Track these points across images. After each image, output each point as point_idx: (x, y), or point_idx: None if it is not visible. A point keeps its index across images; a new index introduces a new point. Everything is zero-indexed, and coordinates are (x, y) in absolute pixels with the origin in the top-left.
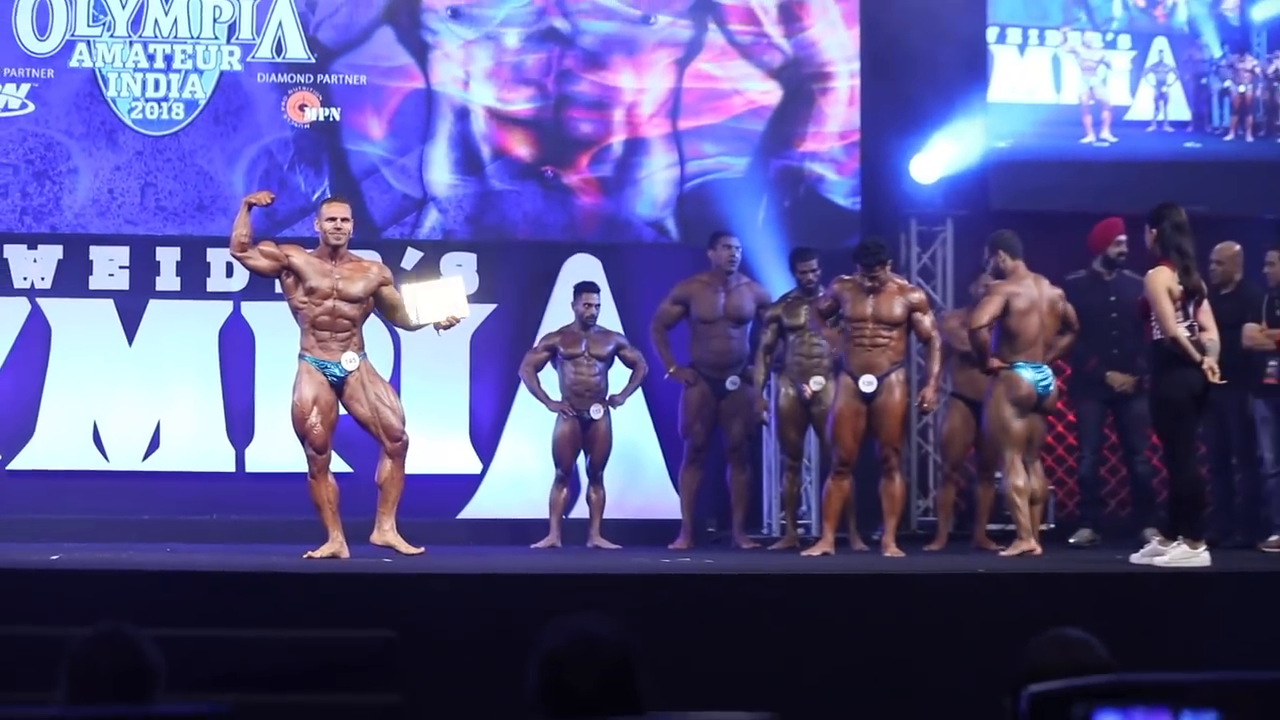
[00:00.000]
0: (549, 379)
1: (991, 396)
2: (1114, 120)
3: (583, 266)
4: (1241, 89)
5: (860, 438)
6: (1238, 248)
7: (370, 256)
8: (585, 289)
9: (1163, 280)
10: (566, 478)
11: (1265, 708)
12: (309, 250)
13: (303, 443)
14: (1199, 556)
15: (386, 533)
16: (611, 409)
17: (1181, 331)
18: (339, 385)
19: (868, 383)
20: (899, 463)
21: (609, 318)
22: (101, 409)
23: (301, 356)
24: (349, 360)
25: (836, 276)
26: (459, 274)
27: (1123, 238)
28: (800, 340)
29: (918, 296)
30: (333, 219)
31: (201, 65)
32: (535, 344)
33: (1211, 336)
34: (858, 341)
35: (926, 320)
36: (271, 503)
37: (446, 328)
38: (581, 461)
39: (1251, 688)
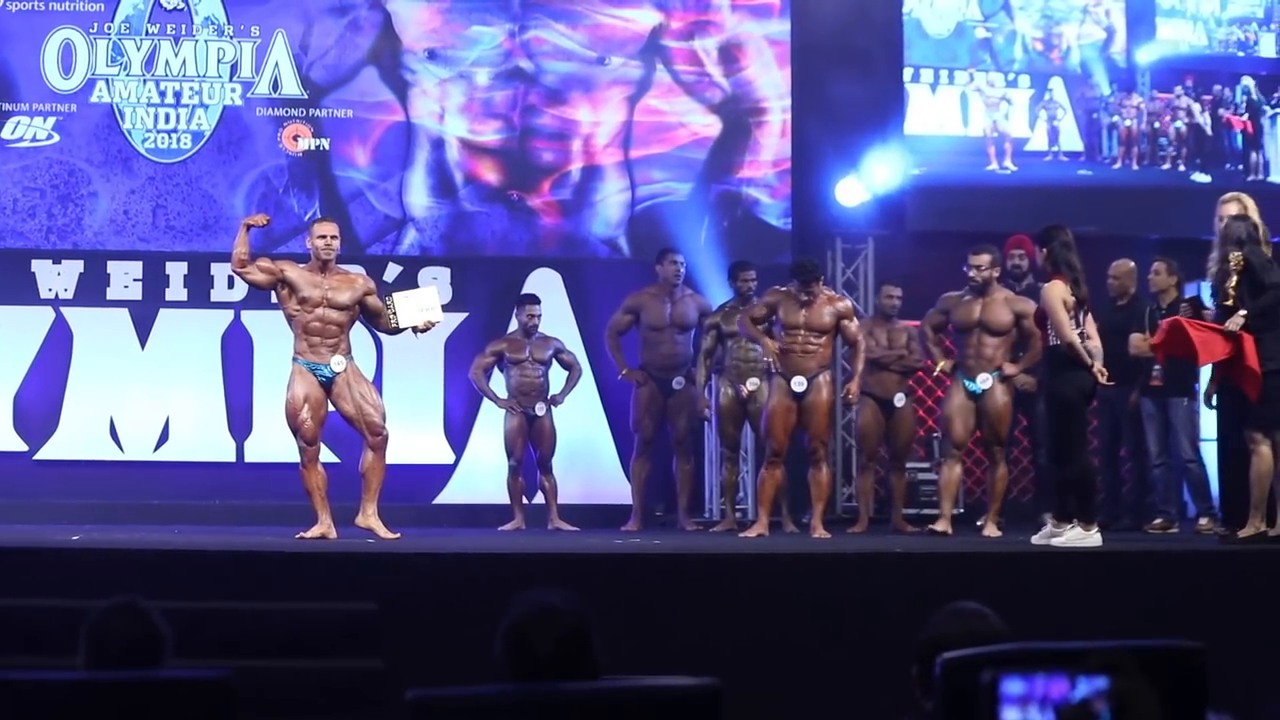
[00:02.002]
0: (496, 381)
1: (1008, 396)
2: (1015, 150)
3: (544, 280)
4: (1128, 123)
5: (790, 432)
6: (1132, 264)
7: (355, 270)
8: (528, 301)
9: (1058, 292)
10: (519, 466)
11: (1150, 672)
12: (301, 265)
13: (295, 436)
14: (1092, 537)
15: (369, 517)
16: (553, 407)
17: (1077, 338)
18: (328, 385)
19: (798, 383)
20: (826, 454)
21: (569, 326)
22: (117, 406)
23: (294, 359)
24: (337, 363)
25: (770, 288)
26: (434, 285)
27: (1019, 251)
28: (738, 345)
29: (845, 305)
30: (323, 236)
31: (207, 100)
32: (484, 350)
33: (1096, 344)
34: (790, 347)
35: (852, 326)
36: (267, 489)
37: (424, 330)
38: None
39: (1138, 655)
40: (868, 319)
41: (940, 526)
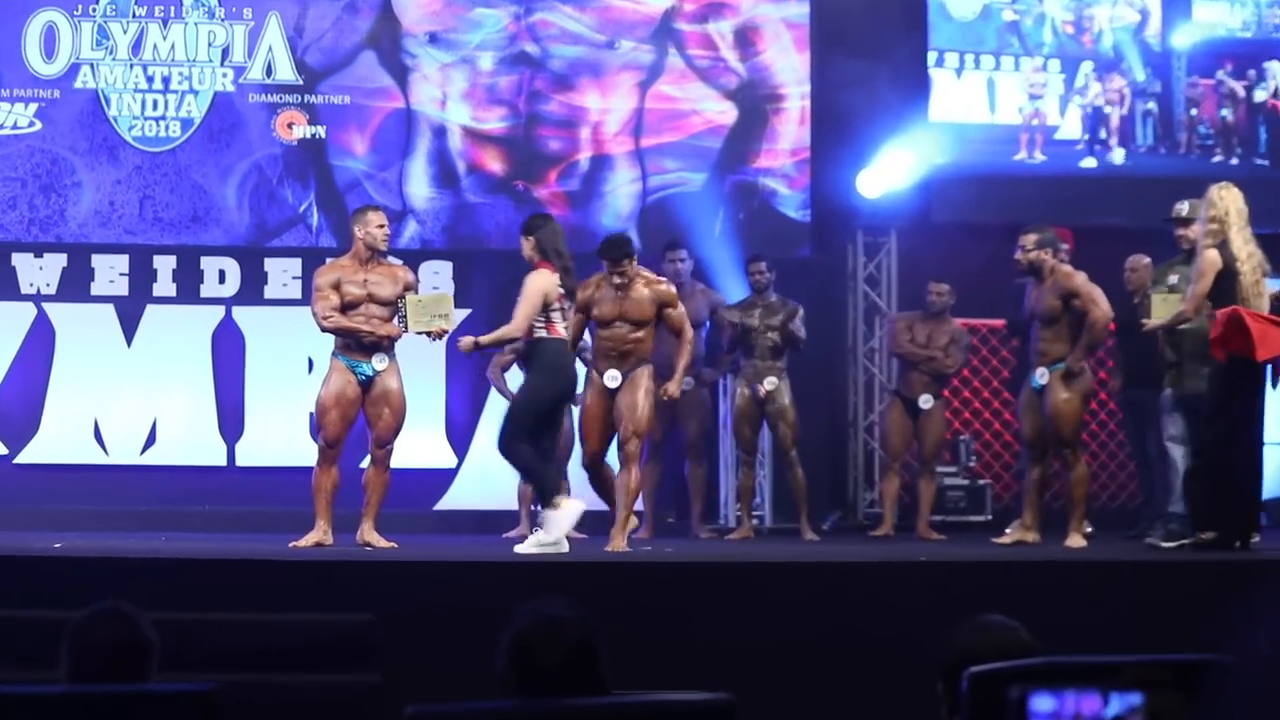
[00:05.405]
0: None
1: (1069, 392)
2: (1045, 140)
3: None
4: (1108, 108)
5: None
6: (1148, 260)
7: (393, 260)
8: None
9: (541, 283)
10: None
11: (1184, 688)
12: (338, 262)
13: (318, 432)
14: (566, 511)
15: (364, 532)
16: (573, 408)
17: (525, 330)
18: (366, 384)
19: (612, 378)
20: (635, 452)
21: None
22: (102, 406)
23: (334, 354)
24: (379, 360)
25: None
26: (438, 282)
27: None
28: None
29: (665, 289)
30: (382, 225)
31: (197, 86)
32: (503, 348)
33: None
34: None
35: (675, 314)
36: (260, 494)
37: (436, 337)
38: None
39: (1173, 669)
40: (908, 314)
41: (1031, 537)
